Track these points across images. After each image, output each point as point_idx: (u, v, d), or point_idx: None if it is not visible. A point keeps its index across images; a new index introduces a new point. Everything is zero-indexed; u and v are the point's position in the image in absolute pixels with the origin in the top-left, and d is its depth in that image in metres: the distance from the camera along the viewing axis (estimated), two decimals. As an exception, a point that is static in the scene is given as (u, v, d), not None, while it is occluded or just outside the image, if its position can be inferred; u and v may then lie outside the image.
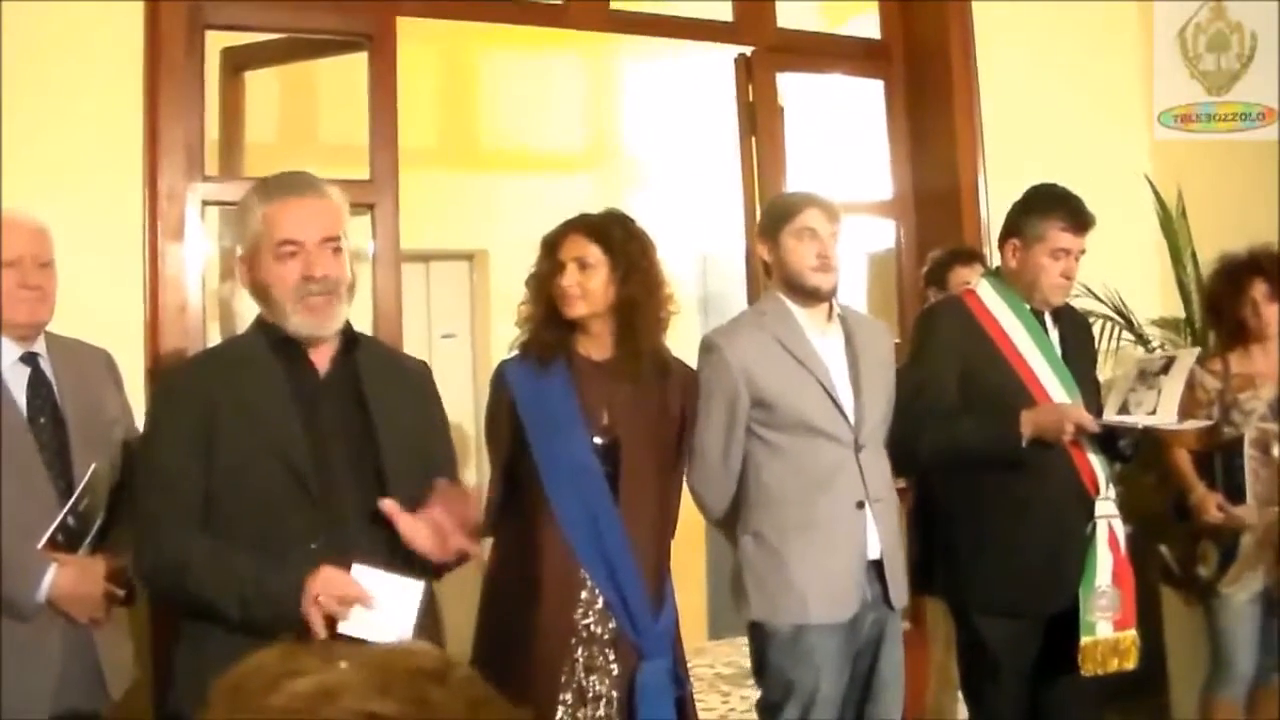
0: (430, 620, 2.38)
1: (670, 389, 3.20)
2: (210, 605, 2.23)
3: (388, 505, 2.29)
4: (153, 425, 2.42)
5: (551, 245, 3.14)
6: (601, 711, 3.01)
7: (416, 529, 2.32)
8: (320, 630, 2.17)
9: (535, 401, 3.08)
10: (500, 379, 3.16)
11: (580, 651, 3.01)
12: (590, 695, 3.01)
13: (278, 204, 2.38)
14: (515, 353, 3.19)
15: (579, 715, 2.99)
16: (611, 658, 3.03)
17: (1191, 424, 3.63)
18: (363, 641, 2.15)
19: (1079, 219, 3.35)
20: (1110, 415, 3.38)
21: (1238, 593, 3.83)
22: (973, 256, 4.24)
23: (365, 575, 2.24)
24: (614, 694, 3.02)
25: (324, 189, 2.44)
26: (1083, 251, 3.38)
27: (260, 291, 2.40)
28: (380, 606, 2.23)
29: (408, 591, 2.27)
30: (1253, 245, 3.97)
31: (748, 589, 3.19)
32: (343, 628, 2.21)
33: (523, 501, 3.07)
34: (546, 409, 3.07)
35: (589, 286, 3.07)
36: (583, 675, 3.01)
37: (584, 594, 3.02)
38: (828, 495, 3.14)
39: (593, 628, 3.03)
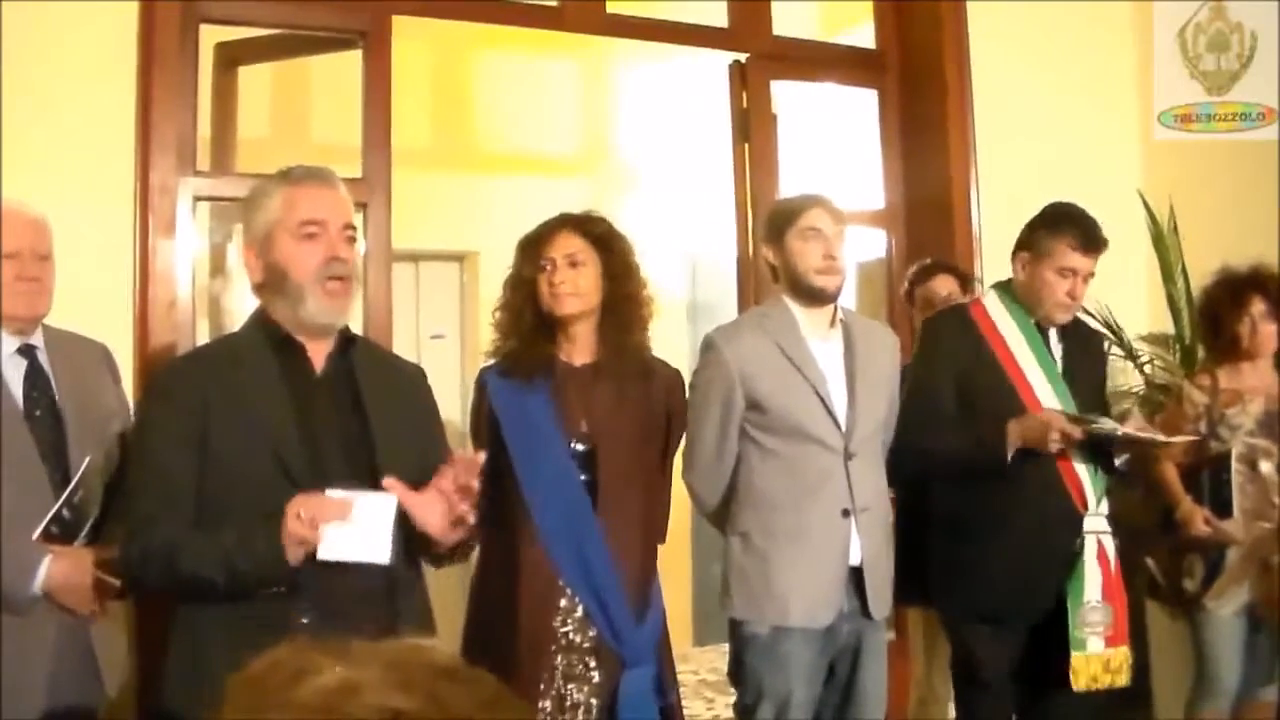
0: (425, 621, 2.37)
1: (654, 390, 3.21)
2: (198, 579, 2.20)
3: (390, 481, 2.24)
4: (146, 421, 2.40)
5: (536, 244, 3.12)
6: (580, 718, 2.99)
7: (425, 506, 2.28)
8: (309, 535, 2.13)
9: (514, 410, 3.08)
10: (480, 387, 3.16)
11: (559, 659, 3.00)
12: (569, 703, 3.00)
13: (300, 188, 2.37)
14: (492, 360, 3.17)
15: None
16: (592, 665, 3.02)
17: (1179, 439, 3.64)
18: (365, 632, 2.15)
19: (1089, 240, 3.37)
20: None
21: (1223, 607, 3.84)
22: (942, 269, 4.26)
23: (339, 494, 2.20)
24: (593, 702, 3.01)
25: (341, 183, 2.45)
26: (1091, 274, 3.40)
27: (273, 276, 2.36)
28: (357, 523, 2.17)
29: (381, 507, 2.21)
30: (1254, 261, 3.97)
31: (732, 588, 3.21)
32: (322, 551, 2.16)
33: (504, 510, 3.05)
34: (525, 417, 3.06)
35: (580, 284, 3.07)
36: (561, 683, 3.00)
37: (563, 602, 3.02)
38: (816, 502, 3.14)
39: (571, 635, 3.02)
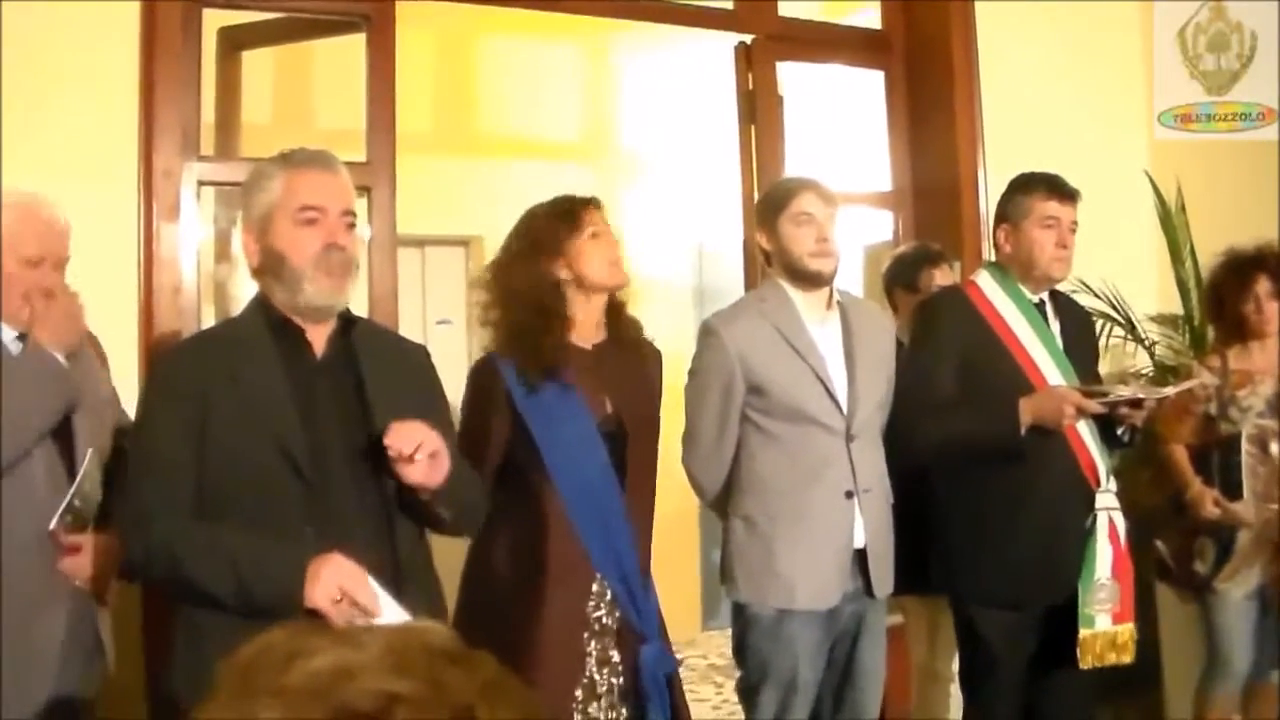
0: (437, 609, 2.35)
1: (650, 368, 3.19)
2: (206, 591, 2.19)
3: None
4: (147, 411, 2.39)
5: (576, 215, 3.01)
6: (607, 703, 2.97)
7: (410, 466, 2.24)
8: (340, 623, 2.10)
9: (534, 394, 2.98)
10: (492, 371, 3.02)
11: (592, 645, 2.96)
12: (602, 689, 2.96)
13: (301, 172, 2.35)
14: (495, 353, 3.05)
15: (590, 710, 2.94)
16: (613, 646, 2.99)
17: (1185, 385, 3.64)
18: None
19: (1061, 188, 3.39)
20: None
21: (1234, 589, 3.83)
22: (941, 256, 4.19)
23: (374, 587, 2.19)
24: (614, 682, 2.98)
25: (342, 168, 2.43)
26: (1075, 224, 3.40)
27: (271, 261, 2.35)
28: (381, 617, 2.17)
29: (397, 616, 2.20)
30: (1259, 241, 3.96)
31: (735, 572, 3.21)
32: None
33: (522, 495, 2.98)
34: (548, 402, 2.97)
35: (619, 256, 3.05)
36: (594, 669, 2.96)
37: (594, 586, 2.97)
38: (818, 484, 3.15)
39: (603, 619, 2.98)
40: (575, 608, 2.94)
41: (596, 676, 2.96)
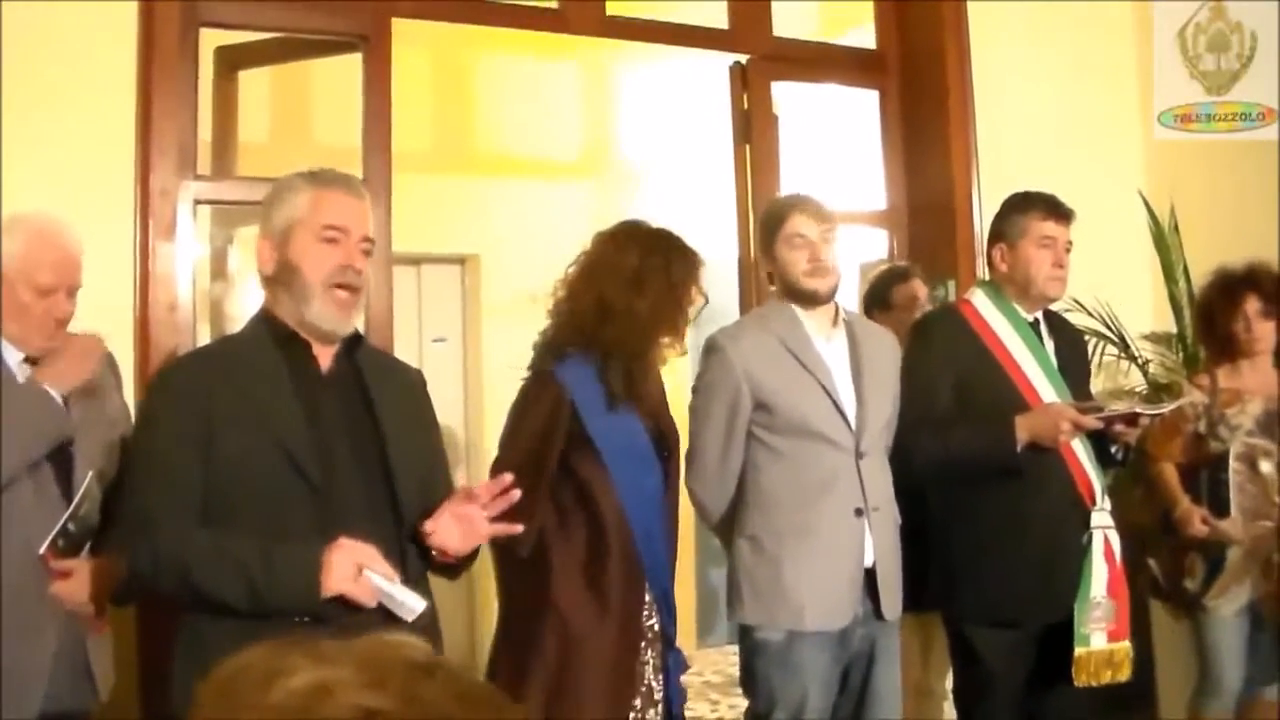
0: (433, 632, 2.36)
1: (661, 388, 3.22)
2: (217, 598, 2.19)
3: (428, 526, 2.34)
4: (150, 420, 2.39)
5: (698, 276, 3.10)
6: (655, 710, 3.01)
7: (443, 531, 2.34)
8: (371, 601, 2.17)
9: (597, 403, 3.00)
10: (556, 385, 2.99)
11: (649, 653, 3.01)
12: (658, 695, 3.01)
13: (328, 192, 2.38)
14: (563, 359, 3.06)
15: (647, 716, 2.98)
16: (655, 653, 3.04)
17: (1183, 401, 3.66)
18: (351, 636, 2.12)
19: (1058, 207, 3.42)
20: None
21: (1224, 606, 3.84)
22: (909, 271, 4.27)
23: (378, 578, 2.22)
24: (654, 684, 3.03)
25: (366, 194, 2.46)
26: (1070, 244, 3.42)
27: (285, 272, 2.36)
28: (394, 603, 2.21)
29: (411, 600, 2.23)
30: (1250, 260, 3.98)
31: (742, 593, 3.16)
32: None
33: (579, 508, 2.98)
34: (616, 415, 3.00)
35: None
36: (651, 676, 3.00)
37: (647, 595, 3.01)
38: (826, 501, 3.10)
39: (654, 627, 3.03)
40: (636, 616, 2.98)
41: (654, 684, 3.01)
